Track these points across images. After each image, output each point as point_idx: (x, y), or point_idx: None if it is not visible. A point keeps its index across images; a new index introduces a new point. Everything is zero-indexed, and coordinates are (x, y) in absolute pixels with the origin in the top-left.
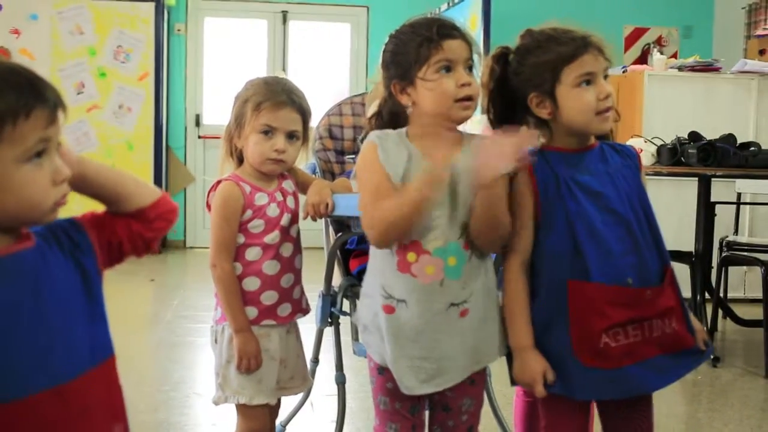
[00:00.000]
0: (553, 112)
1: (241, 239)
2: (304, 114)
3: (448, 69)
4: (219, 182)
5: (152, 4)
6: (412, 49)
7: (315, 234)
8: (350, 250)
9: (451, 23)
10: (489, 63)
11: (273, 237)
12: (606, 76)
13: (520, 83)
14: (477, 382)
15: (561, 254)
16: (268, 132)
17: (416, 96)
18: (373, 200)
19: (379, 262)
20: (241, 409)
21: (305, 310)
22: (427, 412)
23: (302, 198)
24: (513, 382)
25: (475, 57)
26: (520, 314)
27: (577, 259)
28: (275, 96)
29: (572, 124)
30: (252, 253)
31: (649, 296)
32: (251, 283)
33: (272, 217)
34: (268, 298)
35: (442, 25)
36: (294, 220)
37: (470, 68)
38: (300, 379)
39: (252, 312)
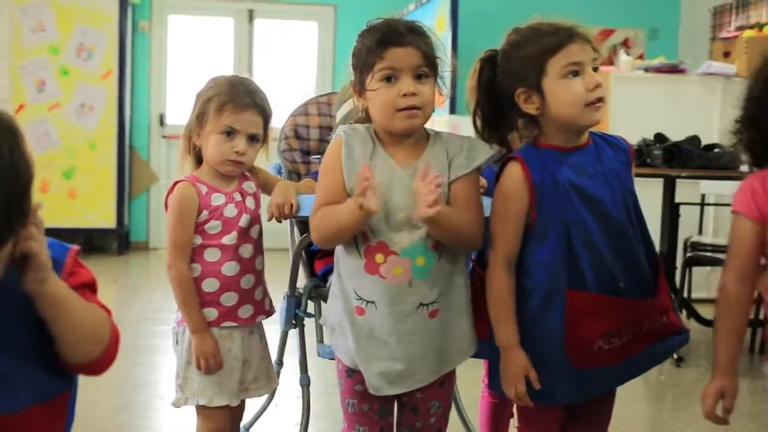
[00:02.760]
0: (540, 107)
1: (199, 240)
2: (267, 117)
3: (390, 78)
4: (176, 183)
5: (116, 1)
6: (362, 55)
7: (280, 235)
8: (315, 251)
9: (405, 28)
10: (476, 66)
11: (231, 238)
12: (596, 69)
13: (506, 80)
14: (446, 385)
15: (557, 262)
16: (230, 133)
17: (366, 102)
18: (320, 203)
19: (346, 264)
20: (201, 410)
21: (268, 312)
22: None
23: (267, 199)
24: (491, 386)
25: (443, 56)
26: (506, 313)
27: (572, 267)
28: (239, 98)
29: (561, 117)
30: (210, 254)
31: (649, 306)
32: (210, 285)
33: (230, 217)
34: (228, 299)
35: (387, 32)
36: (254, 221)
37: (421, 76)
38: (264, 380)
39: (212, 313)
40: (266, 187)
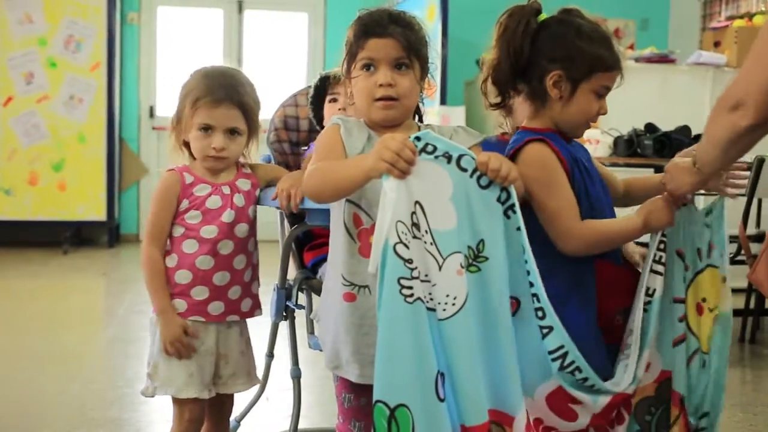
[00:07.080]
0: (564, 98)
1: (181, 231)
2: (246, 109)
3: (370, 67)
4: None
5: None
6: (348, 44)
7: (270, 227)
8: (305, 243)
9: (388, 18)
10: (523, 11)
11: (210, 231)
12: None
13: (548, 51)
14: None
15: None
16: (206, 129)
17: (351, 89)
18: (320, 159)
19: (336, 250)
20: (176, 402)
21: (244, 314)
22: None
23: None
24: None
25: (427, 48)
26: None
27: None
28: (212, 93)
29: (566, 119)
30: (188, 246)
31: None
32: (183, 276)
33: (211, 209)
34: (199, 293)
35: (369, 22)
36: (240, 218)
37: (401, 66)
38: (243, 377)
39: (181, 305)
40: (274, 181)
